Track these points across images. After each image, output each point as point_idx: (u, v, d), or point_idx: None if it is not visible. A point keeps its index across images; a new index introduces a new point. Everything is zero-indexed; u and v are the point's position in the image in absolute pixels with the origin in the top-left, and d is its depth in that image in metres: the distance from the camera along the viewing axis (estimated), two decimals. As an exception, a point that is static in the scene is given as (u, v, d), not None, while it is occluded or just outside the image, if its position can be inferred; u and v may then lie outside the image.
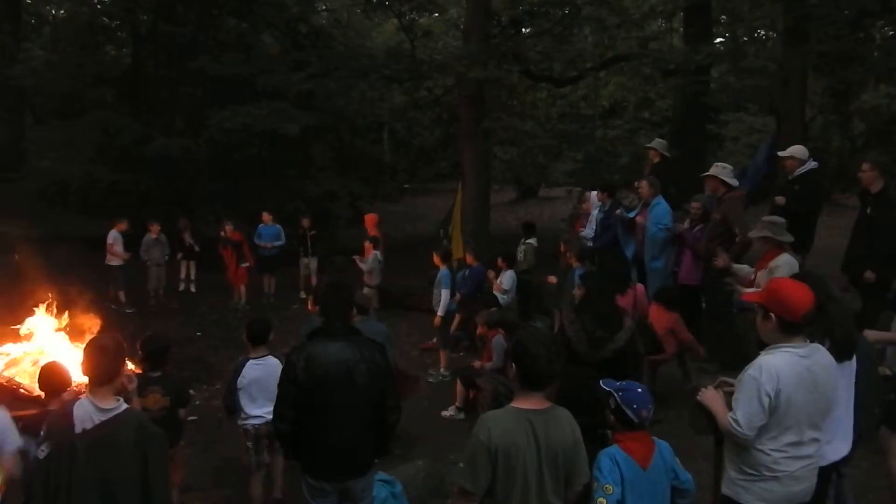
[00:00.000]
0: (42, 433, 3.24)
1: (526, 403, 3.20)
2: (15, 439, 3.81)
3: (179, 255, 13.25)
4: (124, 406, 3.36)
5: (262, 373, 5.33)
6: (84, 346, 3.45)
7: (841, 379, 3.81)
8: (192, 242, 13.28)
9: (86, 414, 3.23)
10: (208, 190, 16.87)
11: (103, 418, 3.24)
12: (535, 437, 3.12)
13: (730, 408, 3.55)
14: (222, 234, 13.04)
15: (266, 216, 13.12)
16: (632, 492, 3.51)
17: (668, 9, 18.51)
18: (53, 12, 25.77)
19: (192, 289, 13.35)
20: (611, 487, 3.47)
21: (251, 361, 5.37)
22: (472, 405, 7.45)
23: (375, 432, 4.23)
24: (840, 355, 3.82)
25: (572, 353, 4.97)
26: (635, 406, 3.67)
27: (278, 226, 13.20)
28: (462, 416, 7.54)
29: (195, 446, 6.86)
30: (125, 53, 20.22)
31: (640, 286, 8.02)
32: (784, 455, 3.47)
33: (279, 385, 4.18)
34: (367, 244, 11.20)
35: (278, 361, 5.17)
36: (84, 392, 3.40)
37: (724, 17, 18.18)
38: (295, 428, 4.10)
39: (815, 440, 3.57)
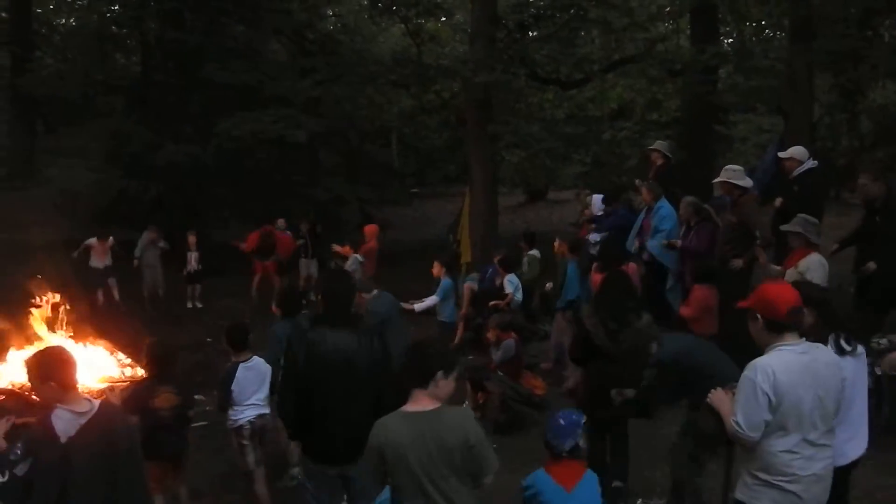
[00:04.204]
0: (18, 451, 3.19)
1: (415, 406, 3.32)
2: None
3: (185, 273, 13.41)
4: (97, 402, 3.44)
5: (253, 374, 5.53)
6: (34, 361, 3.39)
7: (855, 374, 3.81)
8: (197, 267, 13.41)
9: (66, 423, 3.26)
10: (217, 196, 16.97)
11: (83, 421, 3.30)
12: (422, 436, 3.20)
13: None
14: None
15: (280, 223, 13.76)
16: None
17: (675, 9, 18.45)
18: (63, 21, 25.98)
19: (199, 305, 13.51)
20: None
21: (241, 365, 5.52)
22: (483, 407, 7.44)
23: (375, 419, 4.27)
24: (841, 349, 3.81)
25: (595, 347, 4.99)
26: (551, 436, 3.97)
27: None
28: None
29: (204, 451, 6.88)
30: (134, 61, 20.39)
31: (632, 265, 7.94)
32: (795, 457, 3.38)
33: (282, 371, 4.30)
34: (346, 248, 11.57)
35: (264, 361, 5.55)
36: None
37: (730, 16, 18.11)
38: (298, 412, 4.19)
39: (826, 441, 3.47)
